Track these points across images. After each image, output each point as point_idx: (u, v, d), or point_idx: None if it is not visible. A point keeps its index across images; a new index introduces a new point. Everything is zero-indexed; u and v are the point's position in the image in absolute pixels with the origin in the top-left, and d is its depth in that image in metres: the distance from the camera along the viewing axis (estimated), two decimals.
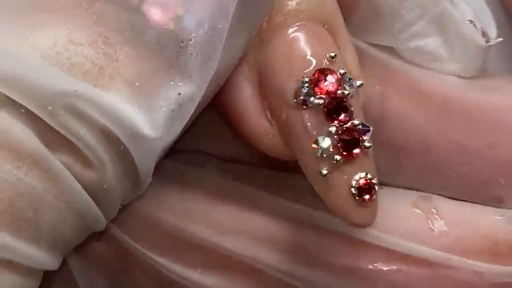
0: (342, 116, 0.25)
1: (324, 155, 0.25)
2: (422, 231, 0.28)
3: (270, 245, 0.28)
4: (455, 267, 0.27)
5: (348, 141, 0.25)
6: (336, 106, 0.25)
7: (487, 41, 0.29)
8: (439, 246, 0.28)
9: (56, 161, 0.23)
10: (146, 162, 0.24)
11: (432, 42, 0.29)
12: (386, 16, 0.28)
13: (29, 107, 0.22)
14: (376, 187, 0.25)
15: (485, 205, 0.29)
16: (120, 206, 0.25)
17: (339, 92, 0.25)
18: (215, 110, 0.28)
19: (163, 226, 0.28)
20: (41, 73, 0.22)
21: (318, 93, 0.25)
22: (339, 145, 0.25)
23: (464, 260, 0.27)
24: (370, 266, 0.28)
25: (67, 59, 0.22)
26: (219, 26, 0.23)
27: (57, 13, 0.23)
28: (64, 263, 0.29)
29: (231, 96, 0.27)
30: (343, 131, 0.25)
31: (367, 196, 0.25)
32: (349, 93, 0.25)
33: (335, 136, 0.25)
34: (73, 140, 0.23)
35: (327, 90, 0.25)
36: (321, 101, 0.25)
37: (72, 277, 0.29)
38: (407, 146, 0.28)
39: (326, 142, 0.25)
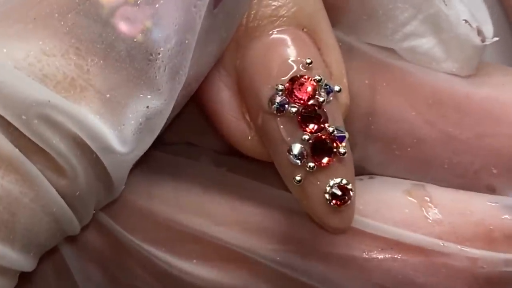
0: (315, 125, 0.25)
1: (298, 162, 0.25)
2: (416, 219, 0.28)
3: (265, 236, 0.28)
4: (450, 254, 0.28)
5: (321, 149, 0.25)
6: (309, 114, 0.25)
7: (482, 41, 0.29)
8: (434, 233, 0.28)
9: (32, 166, 0.23)
10: (118, 172, 0.24)
11: (426, 43, 0.29)
12: (379, 17, 0.29)
13: (3, 115, 0.23)
14: (351, 193, 0.26)
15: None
16: (94, 212, 0.26)
17: (312, 100, 0.25)
18: None
19: (157, 217, 0.28)
20: (16, 82, 0.23)
21: (292, 102, 0.25)
22: (311, 153, 0.25)
23: (459, 247, 0.28)
24: (365, 255, 0.28)
25: (39, 70, 0.23)
26: (186, 41, 0.24)
27: (30, 23, 0.23)
28: (59, 256, 0.29)
29: (210, 100, 0.27)
30: (316, 139, 0.25)
31: (341, 202, 0.26)
32: (324, 100, 0.25)
33: (309, 144, 0.25)
34: (46, 148, 0.23)
35: (300, 98, 0.25)
36: (295, 109, 0.25)
37: (67, 269, 0.29)
38: (399, 137, 0.29)
39: (299, 150, 0.25)
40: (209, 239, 0.28)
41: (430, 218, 0.28)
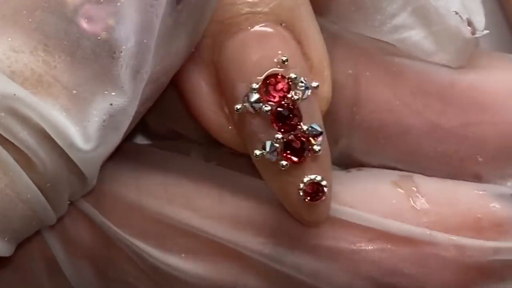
0: (288, 123, 0.25)
1: (273, 159, 0.25)
2: (404, 210, 0.28)
3: (253, 230, 0.28)
4: (438, 244, 0.28)
5: (293, 148, 0.25)
6: (283, 113, 0.25)
7: (473, 33, 0.28)
8: (422, 223, 0.28)
9: (6, 153, 0.23)
10: (89, 166, 0.25)
11: (415, 35, 0.29)
12: (367, 8, 0.29)
13: None
14: (326, 189, 0.26)
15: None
16: (69, 202, 0.26)
17: (286, 99, 0.25)
18: None
19: (146, 211, 0.28)
20: None
21: (266, 100, 0.25)
22: (284, 151, 0.25)
23: (447, 236, 0.28)
24: (353, 247, 0.28)
25: (8, 66, 0.23)
26: (144, 41, 0.24)
27: (0, 20, 0.24)
28: (48, 252, 0.29)
29: (188, 94, 0.27)
30: (289, 138, 0.25)
31: (315, 199, 0.26)
32: (299, 98, 0.25)
33: (282, 142, 0.25)
34: (14, 141, 0.23)
35: (274, 97, 0.25)
36: (268, 108, 0.25)
37: (57, 266, 0.29)
38: (384, 127, 0.29)
39: (272, 148, 0.25)
40: (197, 233, 0.28)
41: (418, 208, 0.28)
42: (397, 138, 0.29)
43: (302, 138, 0.25)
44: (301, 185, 0.26)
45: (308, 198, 0.26)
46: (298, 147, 0.25)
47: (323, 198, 0.26)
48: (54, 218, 0.26)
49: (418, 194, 0.28)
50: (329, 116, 0.27)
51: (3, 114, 0.23)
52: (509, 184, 0.29)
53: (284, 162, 0.25)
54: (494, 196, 0.28)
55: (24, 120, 0.23)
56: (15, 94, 0.23)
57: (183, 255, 0.28)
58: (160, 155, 0.30)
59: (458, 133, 0.28)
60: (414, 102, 0.28)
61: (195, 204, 0.28)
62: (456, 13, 0.28)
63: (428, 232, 0.28)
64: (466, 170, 0.29)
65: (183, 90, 0.28)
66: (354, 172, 0.30)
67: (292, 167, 0.26)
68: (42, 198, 0.24)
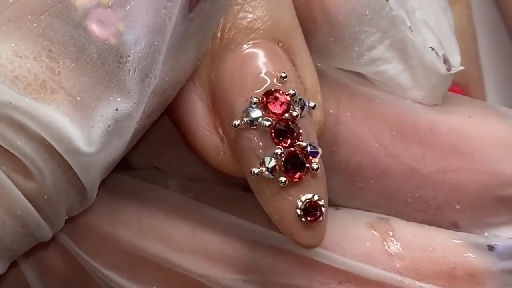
0: (288, 139, 0.25)
1: (270, 176, 0.25)
2: (377, 253, 0.28)
3: (225, 264, 0.28)
4: None
5: (294, 164, 0.25)
6: (282, 128, 0.25)
7: (448, 69, 0.28)
8: (394, 268, 0.27)
9: None
10: (88, 174, 0.24)
11: (393, 68, 0.28)
12: (345, 39, 0.28)
13: None
14: (323, 209, 0.25)
15: None
16: (67, 217, 0.26)
17: (286, 114, 0.25)
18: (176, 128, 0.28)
19: (119, 242, 0.28)
20: None
21: (266, 115, 0.25)
22: (284, 167, 0.25)
23: (418, 284, 0.27)
24: (324, 287, 0.27)
25: (10, 71, 0.23)
26: (156, 43, 0.24)
27: (4, 25, 0.24)
28: (23, 281, 0.29)
29: (183, 113, 0.27)
30: (288, 154, 0.25)
31: (312, 218, 0.25)
32: (298, 115, 0.25)
33: (281, 158, 0.25)
34: (11, 150, 0.23)
35: (274, 112, 0.25)
36: (268, 123, 0.25)
37: None
38: (362, 169, 0.28)
39: (271, 164, 0.25)
40: (169, 266, 0.28)
41: (392, 253, 0.28)
42: (374, 181, 0.28)
43: (301, 155, 0.25)
44: (299, 204, 0.25)
45: (306, 217, 0.25)
46: (298, 164, 0.25)
47: (321, 218, 0.25)
48: (50, 235, 0.25)
49: (393, 238, 0.28)
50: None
51: None
52: (486, 234, 0.28)
53: (283, 179, 0.25)
54: (470, 246, 0.28)
55: (21, 128, 0.23)
56: (10, 103, 0.23)
57: (154, 287, 0.28)
58: (137, 186, 0.30)
59: (437, 179, 0.28)
60: (393, 145, 0.28)
61: (168, 237, 0.28)
62: (432, 49, 0.28)
63: (400, 279, 0.27)
64: (443, 217, 0.28)
65: (176, 110, 0.27)
66: (331, 210, 0.29)
67: (290, 185, 0.25)
68: (36, 214, 0.24)
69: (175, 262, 0.28)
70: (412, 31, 0.28)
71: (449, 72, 0.28)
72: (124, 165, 0.31)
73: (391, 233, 0.28)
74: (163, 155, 0.30)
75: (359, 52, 0.28)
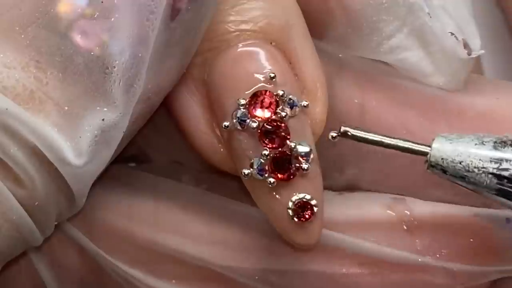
0: (275, 140, 0.25)
1: (260, 177, 0.25)
2: (396, 234, 0.28)
3: (244, 255, 0.28)
4: (429, 270, 0.27)
5: (281, 164, 0.25)
6: (270, 129, 0.25)
7: (469, 54, 0.28)
8: (414, 248, 0.27)
9: None
10: (78, 183, 0.24)
11: (413, 56, 0.28)
12: (363, 29, 0.28)
13: None
14: (315, 208, 0.25)
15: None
16: (56, 223, 0.26)
17: (273, 116, 0.25)
18: None
19: (136, 238, 0.28)
20: None
21: (253, 116, 0.25)
22: (272, 168, 0.25)
23: (439, 262, 0.27)
24: (344, 271, 0.28)
25: None
26: (139, 54, 0.24)
27: None
28: (35, 276, 0.29)
29: (180, 116, 0.27)
30: (276, 155, 0.25)
31: (304, 218, 0.25)
32: (287, 115, 0.25)
33: (269, 159, 0.25)
34: (3, 157, 0.23)
35: (261, 113, 0.25)
36: (255, 124, 0.25)
37: None
38: (390, 157, 0.28)
39: (259, 165, 0.25)
40: (188, 259, 0.28)
41: (410, 233, 0.28)
42: (402, 169, 0.28)
43: (288, 155, 0.25)
44: (290, 204, 0.25)
45: (297, 217, 0.25)
46: (285, 164, 0.25)
47: (312, 218, 0.26)
48: (40, 240, 0.25)
49: (411, 218, 0.28)
50: (335, 145, 0.27)
51: None
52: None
53: (271, 180, 0.25)
54: (488, 220, 0.28)
55: (15, 136, 0.23)
56: (7, 109, 0.23)
57: (173, 281, 0.28)
58: (151, 181, 0.30)
59: None
60: (421, 131, 0.28)
61: (186, 231, 0.28)
62: (452, 34, 0.28)
63: (420, 259, 0.27)
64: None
65: (174, 112, 0.27)
66: (346, 194, 0.29)
67: (280, 185, 0.25)
68: (29, 219, 0.24)
69: (194, 255, 0.28)
70: (430, 17, 0.27)
71: (470, 56, 0.28)
72: (144, 159, 0.31)
73: (408, 213, 0.28)
74: (183, 149, 0.30)
75: (378, 41, 0.28)
